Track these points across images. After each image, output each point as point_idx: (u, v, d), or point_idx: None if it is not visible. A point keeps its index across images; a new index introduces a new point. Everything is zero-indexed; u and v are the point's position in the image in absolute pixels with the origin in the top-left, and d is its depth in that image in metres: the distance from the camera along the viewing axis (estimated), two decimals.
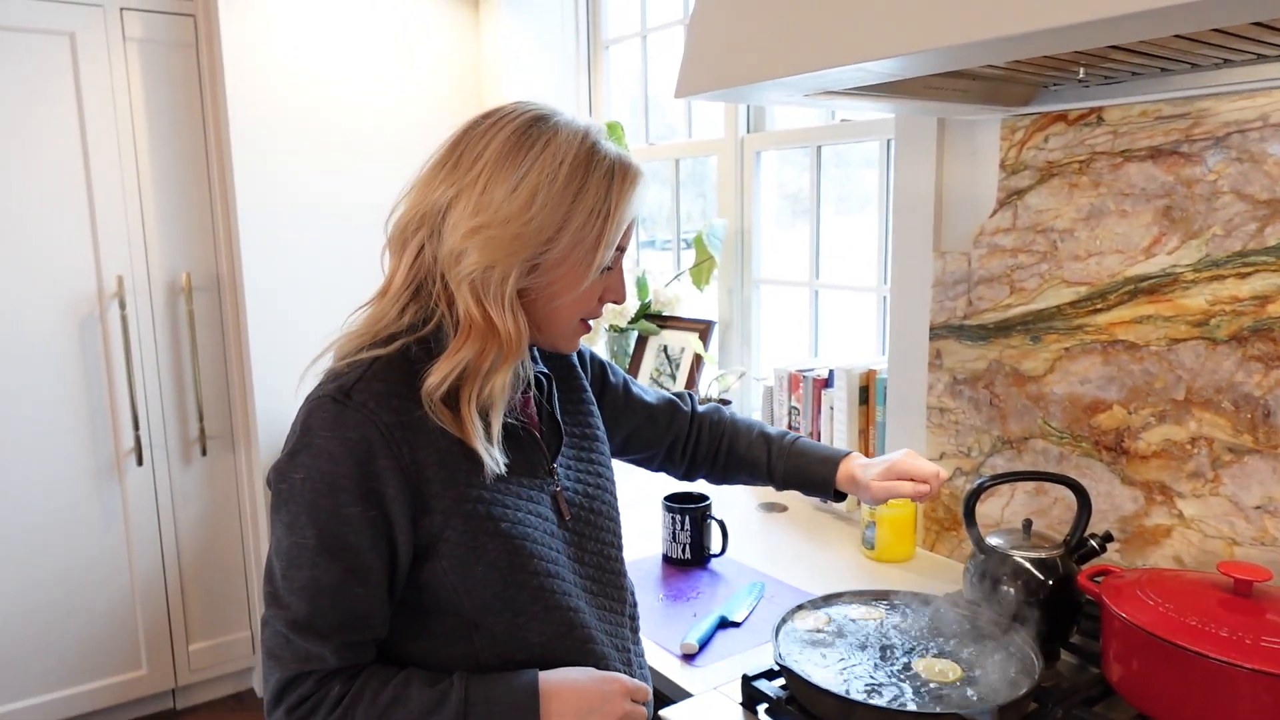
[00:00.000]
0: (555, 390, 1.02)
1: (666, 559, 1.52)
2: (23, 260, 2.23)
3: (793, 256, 2.14)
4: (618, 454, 1.21)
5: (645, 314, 2.31)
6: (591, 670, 0.93)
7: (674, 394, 1.27)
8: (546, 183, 0.85)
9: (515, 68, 2.52)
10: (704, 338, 2.18)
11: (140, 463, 2.43)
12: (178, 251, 2.44)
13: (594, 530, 1.00)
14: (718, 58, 1.06)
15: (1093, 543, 1.15)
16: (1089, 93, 1.20)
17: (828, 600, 1.16)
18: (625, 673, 1.00)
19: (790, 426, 1.75)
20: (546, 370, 1.02)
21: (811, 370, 1.71)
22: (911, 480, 1.13)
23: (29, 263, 2.24)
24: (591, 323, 0.98)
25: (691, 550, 1.50)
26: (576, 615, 0.94)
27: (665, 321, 2.29)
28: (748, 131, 2.14)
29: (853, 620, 1.12)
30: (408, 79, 2.51)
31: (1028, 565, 1.14)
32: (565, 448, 1.01)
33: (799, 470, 1.21)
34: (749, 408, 2.18)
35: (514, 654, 0.90)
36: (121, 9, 2.28)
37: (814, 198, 2.00)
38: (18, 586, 2.32)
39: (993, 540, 1.19)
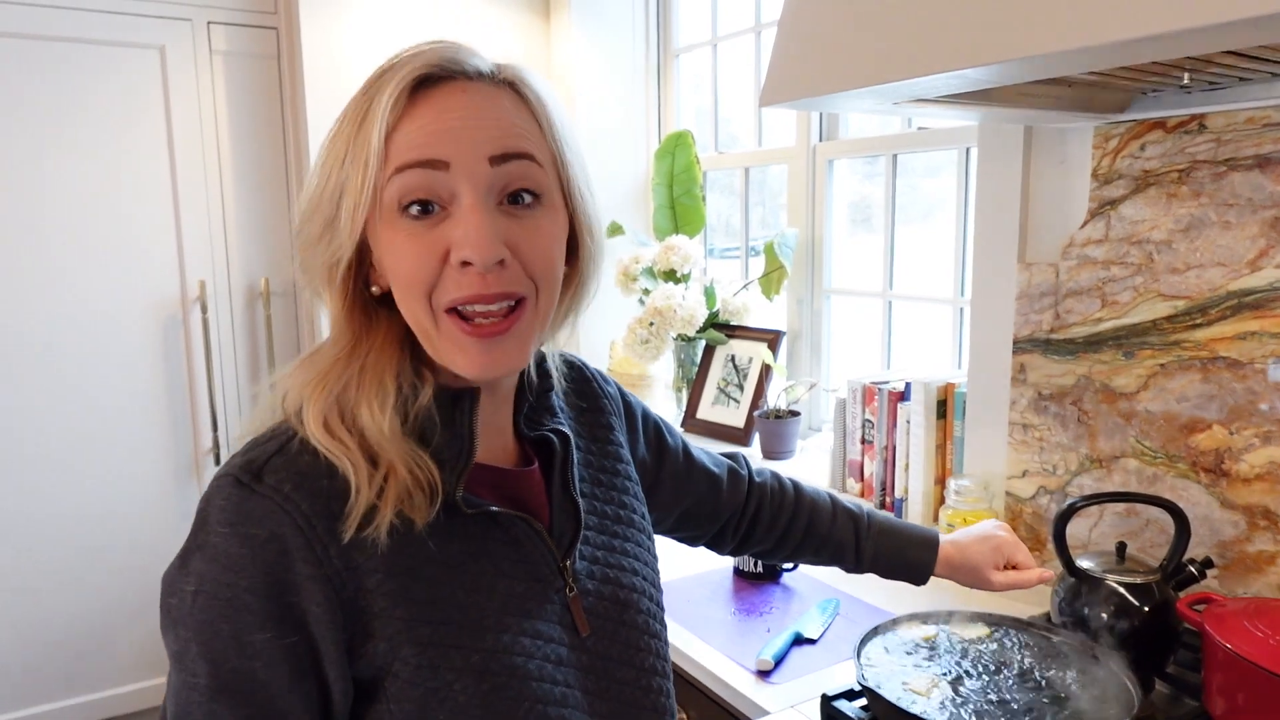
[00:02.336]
0: (573, 457, 0.76)
1: (738, 572, 1.50)
2: (112, 264, 2.32)
3: (861, 266, 2.11)
4: (664, 532, 1.00)
5: (713, 323, 2.30)
6: None
7: (727, 454, 1.06)
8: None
9: (585, 76, 2.54)
10: (773, 348, 2.15)
11: (218, 463, 2.50)
12: (257, 257, 2.50)
13: (626, 650, 0.74)
14: (805, 66, 1.04)
15: (1191, 568, 1.10)
16: (1190, 99, 1.16)
17: (907, 621, 1.13)
18: None
19: (863, 440, 1.72)
20: (564, 429, 0.76)
21: (886, 383, 1.68)
22: (1022, 572, 1.06)
23: (118, 267, 2.33)
24: (472, 311, 0.63)
25: (763, 564, 1.48)
26: None
27: (733, 331, 2.28)
28: (820, 139, 2.12)
29: (934, 641, 1.09)
30: None
31: (1122, 590, 1.10)
32: (592, 534, 0.76)
33: (893, 553, 1.04)
34: (820, 420, 2.15)
35: None
36: (209, 23, 2.36)
37: (888, 207, 1.96)
38: (96, 580, 2.40)
39: (1084, 563, 1.15)
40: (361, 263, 0.65)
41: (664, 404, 2.50)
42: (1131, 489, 1.29)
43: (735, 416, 2.19)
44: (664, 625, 0.80)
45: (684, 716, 1.27)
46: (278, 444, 0.64)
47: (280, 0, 2.41)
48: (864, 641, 1.07)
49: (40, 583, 2.31)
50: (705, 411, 2.27)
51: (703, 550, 1.55)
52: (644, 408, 0.94)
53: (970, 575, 1.05)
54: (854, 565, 1.06)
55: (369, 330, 0.66)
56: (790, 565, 1.50)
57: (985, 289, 1.48)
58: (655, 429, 0.95)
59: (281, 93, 2.47)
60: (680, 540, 1.05)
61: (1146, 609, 1.08)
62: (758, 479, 1.06)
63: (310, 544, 0.60)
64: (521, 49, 2.58)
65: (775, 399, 2.07)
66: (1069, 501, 1.14)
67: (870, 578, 1.42)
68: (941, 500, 1.55)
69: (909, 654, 1.06)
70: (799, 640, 1.26)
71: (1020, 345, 1.42)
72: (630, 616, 0.75)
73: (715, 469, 1.01)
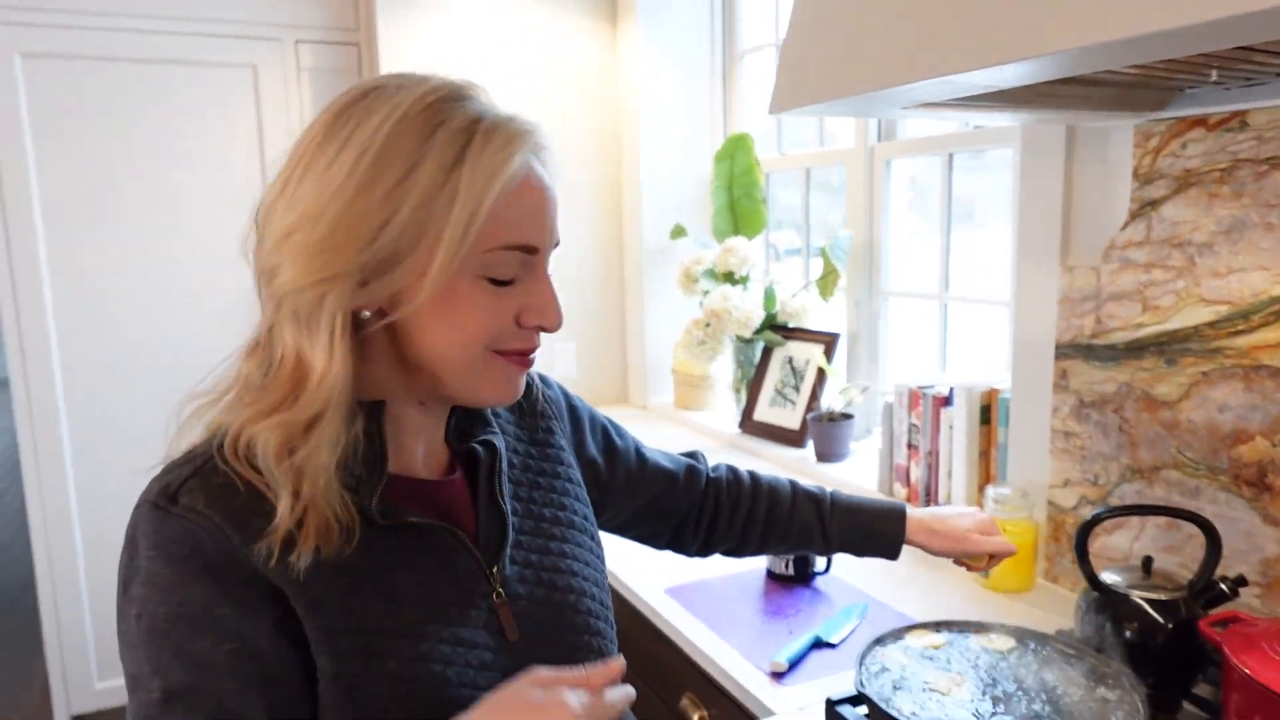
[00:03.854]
0: (501, 465, 0.79)
1: (770, 574, 1.51)
2: (210, 270, 2.49)
3: (927, 267, 2.06)
4: (619, 531, 1.02)
5: (771, 325, 2.30)
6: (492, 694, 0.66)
7: (687, 453, 1.08)
8: (371, 153, 0.63)
9: (651, 80, 2.57)
10: (829, 350, 2.14)
11: None
12: None
13: (564, 651, 0.76)
14: (812, 72, 1.05)
15: (1222, 586, 1.06)
16: (1230, 95, 1.10)
17: (918, 629, 1.12)
18: None
19: (909, 445, 1.70)
20: (494, 439, 0.79)
21: (931, 387, 1.65)
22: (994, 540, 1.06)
23: (215, 272, 2.49)
24: (531, 354, 0.72)
25: (795, 566, 1.48)
26: None
27: (790, 333, 2.27)
28: (878, 140, 2.09)
29: (942, 650, 1.07)
30: (551, 97, 2.61)
31: (1145, 606, 1.06)
32: (527, 537, 0.78)
33: (861, 529, 1.05)
34: (872, 423, 2.13)
35: None
36: (296, 42, 2.51)
37: (944, 207, 1.92)
38: None
39: (1109, 577, 1.11)
40: None
41: (724, 405, 2.52)
42: (1173, 501, 1.24)
43: (791, 419, 2.18)
44: (609, 623, 0.82)
45: (703, 714, 1.29)
46: (192, 468, 0.66)
47: (361, 18, 2.54)
48: (869, 649, 1.06)
49: None
50: (762, 413, 2.27)
51: None
52: (590, 409, 0.97)
53: (951, 540, 1.04)
54: (823, 547, 1.06)
55: (358, 367, 0.66)
56: (823, 569, 1.50)
57: (1028, 292, 1.44)
58: (604, 430, 0.97)
59: None
60: (642, 541, 1.06)
61: (1171, 627, 1.04)
62: (713, 474, 1.07)
63: (232, 551, 0.63)
64: (590, 56, 2.64)
65: (831, 401, 2.06)
66: (1092, 513, 1.10)
67: (906, 583, 1.42)
68: (982, 508, 1.52)
69: (918, 661, 1.05)
70: (818, 644, 1.26)
71: (1062, 350, 1.38)
72: (569, 618, 0.77)
73: (671, 466, 1.03)
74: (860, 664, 1.03)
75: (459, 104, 0.66)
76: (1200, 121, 1.17)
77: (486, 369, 0.69)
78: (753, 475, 1.08)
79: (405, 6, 2.43)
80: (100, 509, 2.42)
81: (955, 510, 1.09)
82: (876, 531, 1.05)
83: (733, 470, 1.08)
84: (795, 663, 1.21)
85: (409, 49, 2.45)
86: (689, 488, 1.04)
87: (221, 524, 0.63)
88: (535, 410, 0.87)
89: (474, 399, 0.72)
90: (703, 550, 1.08)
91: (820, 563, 1.50)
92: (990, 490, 1.44)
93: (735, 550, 1.08)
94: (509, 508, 0.77)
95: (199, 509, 0.63)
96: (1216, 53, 0.89)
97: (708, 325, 2.29)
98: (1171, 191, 1.21)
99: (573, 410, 0.93)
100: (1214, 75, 1.00)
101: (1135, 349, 1.27)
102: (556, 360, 2.72)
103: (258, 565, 0.63)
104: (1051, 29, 0.76)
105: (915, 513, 1.06)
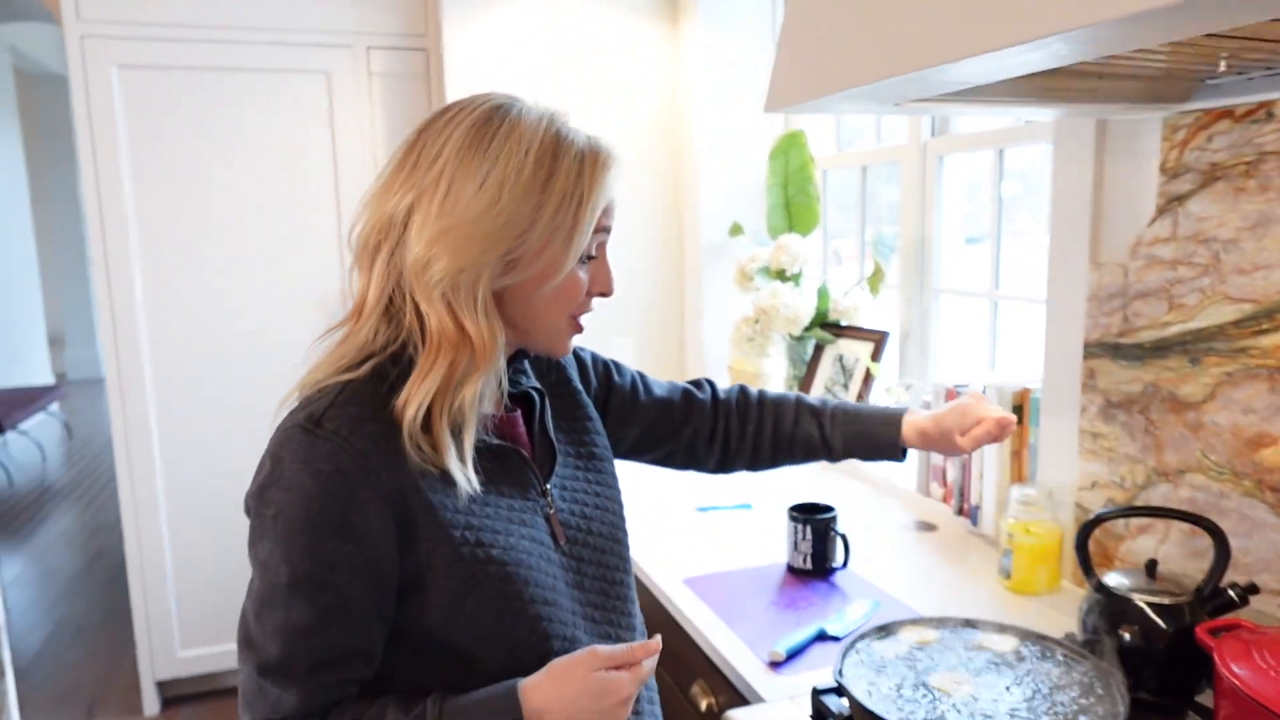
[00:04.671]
0: (548, 406, 0.98)
1: (790, 568, 1.52)
2: (286, 265, 2.64)
3: (982, 265, 2.02)
4: (631, 455, 1.16)
5: (822, 322, 2.29)
6: (559, 661, 0.83)
7: (690, 382, 1.19)
8: (514, 174, 0.81)
9: (710, 79, 2.59)
10: (878, 347, 2.12)
11: None
12: None
13: (595, 554, 0.95)
14: (806, 69, 1.06)
15: (1231, 593, 1.02)
16: (1254, 85, 1.06)
17: (910, 624, 1.11)
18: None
19: None
20: (539, 386, 0.98)
21: (966, 386, 1.62)
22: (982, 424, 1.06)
23: (290, 267, 2.65)
24: (584, 320, 0.92)
25: (813, 561, 1.49)
26: (572, 647, 0.87)
27: (841, 331, 2.26)
28: (931, 135, 2.06)
29: (929, 646, 1.07)
30: (612, 96, 2.66)
31: (1146, 610, 1.03)
32: (560, 467, 0.96)
33: (860, 436, 1.12)
34: None
35: None
36: (368, 48, 2.63)
37: (995, 202, 1.88)
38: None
39: (1113, 579, 1.09)
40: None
41: None
42: (1198, 506, 1.19)
43: None
44: (625, 532, 1.00)
45: (711, 702, 1.32)
46: (329, 399, 0.81)
47: (430, 23, 2.65)
48: (856, 641, 1.07)
49: (227, 542, 2.67)
50: None
51: (758, 545, 1.60)
52: (593, 353, 1.13)
53: (943, 442, 1.09)
54: (828, 455, 1.15)
55: (496, 333, 0.83)
56: (841, 564, 1.50)
57: (1058, 290, 1.41)
58: (604, 366, 1.13)
59: (430, 109, 2.70)
60: (659, 464, 1.18)
61: (1172, 631, 1.01)
62: (723, 396, 1.18)
63: (367, 473, 0.78)
64: (650, 55, 2.67)
65: (880, 399, 2.04)
66: (1095, 514, 1.08)
67: (927, 581, 1.43)
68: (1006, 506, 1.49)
69: (905, 657, 1.05)
70: (823, 636, 1.27)
71: (1090, 350, 1.34)
72: (596, 528, 0.95)
73: (668, 395, 1.15)
74: (843, 656, 1.04)
75: (569, 133, 0.85)
76: (1227, 113, 1.12)
77: (563, 329, 0.89)
78: (761, 394, 1.18)
79: (470, 11, 2.52)
80: (184, 496, 2.60)
81: (953, 404, 1.11)
82: (875, 436, 1.12)
83: (743, 390, 1.19)
84: (795, 653, 1.22)
85: (475, 53, 2.53)
86: (687, 410, 1.15)
87: (364, 449, 0.78)
88: (554, 363, 1.03)
89: (549, 351, 0.92)
90: (721, 467, 1.18)
91: (839, 558, 1.50)
92: (1015, 491, 1.41)
93: (752, 464, 1.18)
94: (555, 440, 0.96)
95: (343, 434, 0.78)
96: (1220, 41, 0.87)
97: (756, 322, 2.30)
98: (1198, 186, 1.17)
99: (578, 356, 1.10)
100: (1222, 65, 0.97)
101: (1161, 348, 1.23)
102: (616, 355, 2.76)
103: (385, 481, 0.79)
104: (1024, 19, 0.76)
105: (913, 416, 1.12)
